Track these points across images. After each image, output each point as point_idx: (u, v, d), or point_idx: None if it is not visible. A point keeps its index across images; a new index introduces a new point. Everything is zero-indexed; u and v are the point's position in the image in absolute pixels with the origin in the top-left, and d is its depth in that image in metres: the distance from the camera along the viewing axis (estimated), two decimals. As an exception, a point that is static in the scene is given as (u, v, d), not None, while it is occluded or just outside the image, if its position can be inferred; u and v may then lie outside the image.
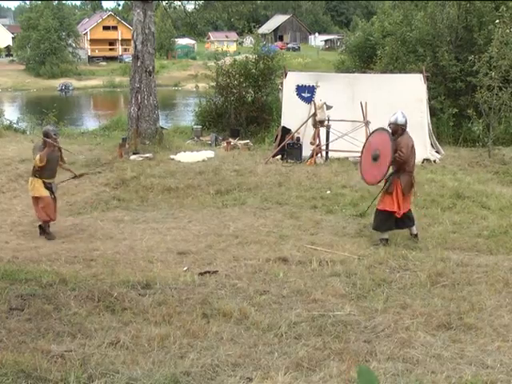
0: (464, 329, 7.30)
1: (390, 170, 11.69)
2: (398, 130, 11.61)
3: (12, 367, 5.91)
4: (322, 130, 19.06)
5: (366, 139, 12.50)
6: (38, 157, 12.42)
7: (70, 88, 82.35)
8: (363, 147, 12.26)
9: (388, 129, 11.74)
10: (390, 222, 11.67)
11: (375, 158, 11.62)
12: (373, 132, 12.43)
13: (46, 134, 12.76)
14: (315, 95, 20.25)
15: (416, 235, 11.86)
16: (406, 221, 11.83)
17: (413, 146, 11.60)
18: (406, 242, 11.40)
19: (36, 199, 12.79)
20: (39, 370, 5.89)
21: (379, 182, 11.84)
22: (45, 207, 12.67)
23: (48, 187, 12.74)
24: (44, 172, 12.66)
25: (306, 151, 19.35)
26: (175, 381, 5.86)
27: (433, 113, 22.52)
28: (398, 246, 11.07)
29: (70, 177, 14.41)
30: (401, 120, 11.65)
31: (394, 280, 9.16)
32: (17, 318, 7.41)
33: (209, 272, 9.56)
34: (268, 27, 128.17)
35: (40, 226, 12.86)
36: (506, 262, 10.07)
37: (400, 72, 24.58)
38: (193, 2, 26.48)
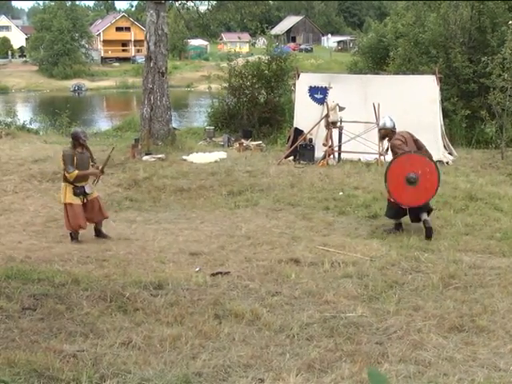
0: (476, 331, 7.27)
1: None
2: (388, 134, 12.51)
3: (24, 366, 5.94)
4: (335, 132, 19.05)
5: (390, 166, 12.18)
6: (72, 173, 12.07)
7: (83, 89, 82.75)
8: (388, 172, 12.06)
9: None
10: (393, 210, 12.23)
11: (413, 182, 11.71)
12: (399, 156, 12.13)
13: (75, 137, 12.49)
14: (328, 96, 20.23)
15: (426, 221, 12.01)
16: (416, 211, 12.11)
17: (404, 137, 12.19)
18: (419, 243, 11.37)
19: (65, 206, 12.42)
20: (51, 370, 5.91)
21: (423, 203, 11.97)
22: (74, 216, 12.27)
23: (78, 192, 12.32)
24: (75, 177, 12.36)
25: (319, 152, 19.34)
26: (187, 381, 5.88)
27: (445, 114, 22.46)
28: (411, 247, 11.04)
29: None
30: (389, 124, 12.50)
31: (406, 282, 9.14)
32: (29, 317, 7.45)
33: (221, 273, 9.57)
34: (281, 28, 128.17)
35: (71, 233, 12.46)
36: (519, 265, 10.04)
37: (413, 73, 24.54)
38: (206, 2, 26.50)
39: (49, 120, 31.88)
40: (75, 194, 12.31)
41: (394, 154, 12.24)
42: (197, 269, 9.86)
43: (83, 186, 12.38)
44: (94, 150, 20.27)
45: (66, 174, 12.17)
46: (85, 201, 12.42)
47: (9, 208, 15.21)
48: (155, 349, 6.69)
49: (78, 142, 12.41)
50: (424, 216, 12.01)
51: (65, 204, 12.39)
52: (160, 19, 21.01)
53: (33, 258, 10.56)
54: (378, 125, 17.80)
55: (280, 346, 6.84)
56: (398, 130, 12.59)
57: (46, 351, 6.37)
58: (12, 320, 7.31)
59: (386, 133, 12.58)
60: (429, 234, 11.81)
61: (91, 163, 12.70)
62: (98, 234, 12.62)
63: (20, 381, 5.69)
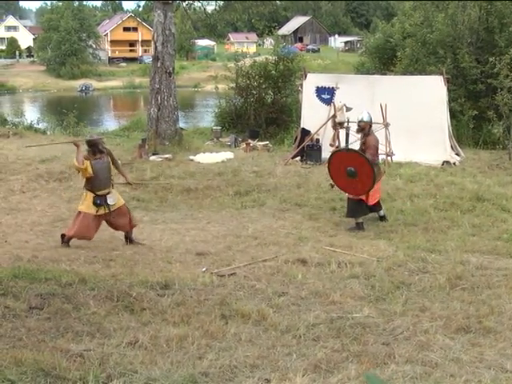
0: (483, 332, 7.24)
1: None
2: (366, 127, 13.27)
3: (31, 366, 5.93)
4: (342, 132, 19.02)
5: (330, 161, 13.37)
6: (74, 160, 11.47)
7: (90, 89, 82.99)
8: (330, 168, 13.27)
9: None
10: (361, 208, 13.07)
11: (352, 175, 12.73)
12: (335, 152, 13.68)
13: (93, 144, 11.70)
14: (335, 97, 20.24)
15: (384, 216, 13.50)
16: (375, 207, 13.42)
17: (378, 142, 13.36)
18: (426, 244, 11.35)
19: (79, 213, 11.65)
20: (58, 369, 5.91)
21: (364, 194, 13.04)
22: (83, 226, 11.51)
23: (99, 203, 11.53)
24: (94, 183, 11.55)
25: (326, 153, 19.28)
26: (193, 381, 5.87)
27: (453, 115, 22.41)
28: (417, 248, 11.02)
29: (123, 181, 13.15)
30: (367, 118, 13.33)
31: (412, 282, 9.12)
32: (36, 316, 7.45)
33: (234, 273, 9.58)
34: (288, 28, 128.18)
35: (63, 235, 11.80)
36: (527, 266, 10.00)
37: (420, 74, 24.49)
38: (213, 3, 26.51)
39: (56, 120, 31.94)
40: (94, 204, 11.56)
41: (367, 148, 13.07)
42: (203, 269, 9.86)
43: (105, 196, 11.64)
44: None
45: (75, 163, 11.51)
46: (107, 211, 11.66)
47: (16, 207, 15.25)
48: (162, 349, 6.69)
49: (97, 148, 11.68)
50: (381, 213, 13.53)
51: (79, 211, 11.68)
52: (167, 19, 21.04)
53: (40, 258, 10.57)
54: (385, 125, 17.86)
55: (286, 346, 6.83)
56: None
57: (52, 350, 6.37)
58: (19, 319, 7.31)
59: (365, 126, 13.29)
60: (383, 219, 13.50)
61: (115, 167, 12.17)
62: (130, 241, 11.97)
63: (27, 380, 5.69)
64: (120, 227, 12.02)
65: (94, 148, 11.67)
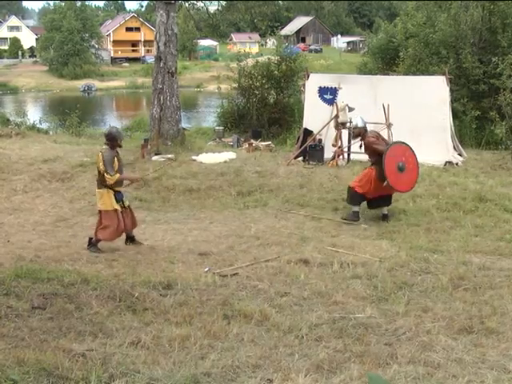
0: (486, 333, 7.24)
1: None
2: (361, 132, 13.62)
3: (34, 365, 5.94)
4: (344, 132, 19.02)
5: (385, 154, 13.23)
6: (114, 177, 11.16)
7: (93, 89, 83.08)
8: (386, 162, 13.10)
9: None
10: (356, 196, 13.41)
11: (401, 169, 13.05)
12: (390, 146, 13.59)
13: (113, 137, 11.42)
14: (337, 97, 20.21)
15: (386, 215, 13.49)
16: (379, 202, 13.59)
17: (377, 137, 13.56)
18: (428, 245, 11.34)
19: (107, 213, 11.39)
20: (61, 369, 5.92)
21: (412, 188, 13.73)
22: (119, 223, 11.38)
23: (118, 199, 11.43)
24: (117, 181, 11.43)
25: (328, 153, 19.32)
26: (196, 381, 5.87)
27: (455, 115, 22.40)
28: (420, 248, 11.01)
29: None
30: (361, 123, 13.66)
31: (415, 283, 9.11)
32: (39, 316, 7.46)
33: (236, 273, 9.57)
34: (290, 29, 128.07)
35: (91, 239, 11.48)
36: (529, 266, 9.99)
37: (423, 74, 24.49)
38: (215, 3, 26.50)
39: (58, 120, 31.97)
40: (116, 200, 11.44)
41: (372, 150, 13.45)
42: (206, 269, 9.86)
43: (120, 192, 11.61)
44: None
45: (108, 177, 11.14)
46: (123, 207, 11.58)
47: (19, 207, 15.27)
48: (164, 349, 6.70)
49: (116, 142, 11.44)
50: (384, 211, 13.56)
51: (107, 211, 11.40)
52: (170, 19, 21.01)
53: (42, 258, 10.59)
54: (388, 125, 17.86)
55: (289, 346, 6.83)
56: (369, 130, 13.88)
57: (55, 350, 6.38)
58: (21, 319, 7.33)
59: (359, 132, 13.67)
60: (385, 218, 13.44)
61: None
62: (132, 240, 11.84)
63: (29, 380, 5.70)
64: (129, 225, 11.79)
65: (113, 142, 11.45)
